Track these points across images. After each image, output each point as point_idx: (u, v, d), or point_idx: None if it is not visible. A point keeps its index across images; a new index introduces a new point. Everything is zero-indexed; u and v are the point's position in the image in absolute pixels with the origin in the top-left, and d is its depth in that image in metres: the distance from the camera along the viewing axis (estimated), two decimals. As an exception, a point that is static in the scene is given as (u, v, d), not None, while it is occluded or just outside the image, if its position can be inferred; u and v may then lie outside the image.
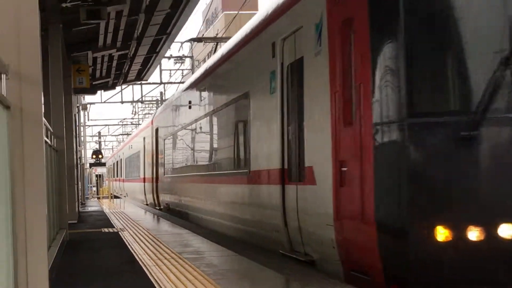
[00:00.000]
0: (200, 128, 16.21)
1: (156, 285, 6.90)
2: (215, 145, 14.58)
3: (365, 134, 6.73)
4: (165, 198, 24.45)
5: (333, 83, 7.39)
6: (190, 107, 17.36)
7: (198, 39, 23.95)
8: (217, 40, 22.14)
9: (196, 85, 16.63)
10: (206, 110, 15.18)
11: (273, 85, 9.67)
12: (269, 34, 10.12)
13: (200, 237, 11.96)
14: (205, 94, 15.59)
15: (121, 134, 67.58)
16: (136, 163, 35.79)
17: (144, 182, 31.10)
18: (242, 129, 11.87)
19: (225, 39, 20.48)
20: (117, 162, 51.30)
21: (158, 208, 25.72)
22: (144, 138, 31.28)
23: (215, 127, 14.46)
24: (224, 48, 14.24)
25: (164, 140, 25.11)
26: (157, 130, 26.86)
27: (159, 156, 26.98)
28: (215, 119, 14.35)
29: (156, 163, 26.91)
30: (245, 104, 11.39)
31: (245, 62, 11.94)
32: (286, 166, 9.17)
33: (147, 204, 29.85)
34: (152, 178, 27.37)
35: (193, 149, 17.75)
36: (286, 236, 8.92)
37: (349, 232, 7.00)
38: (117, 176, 50.47)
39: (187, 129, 18.30)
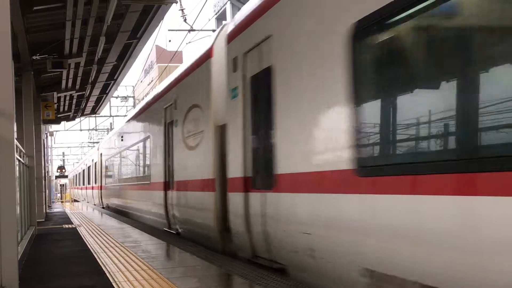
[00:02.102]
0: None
1: (103, 267, 6.74)
2: None
3: None
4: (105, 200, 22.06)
5: None
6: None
7: (175, 30, 20.21)
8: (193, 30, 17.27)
9: None
10: None
11: None
12: None
13: (138, 230, 11.75)
14: None
15: (85, 146, 65.65)
16: (88, 176, 31.29)
17: (93, 189, 27.60)
18: None
19: (205, 31, 18.88)
20: (78, 174, 43.81)
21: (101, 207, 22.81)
22: (92, 160, 27.59)
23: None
24: None
25: (106, 159, 21.19)
26: (101, 154, 23.70)
27: (103, 170, 22.73)
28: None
29: (100, 175, 23.94)
30: None
31: None
32: None
33: (94, 204, 26.97)
34: (99, 186, 24.77)
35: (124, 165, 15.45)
36: None
37: None
38: (78, 185, 43.60)
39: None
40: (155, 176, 12.05)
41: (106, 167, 22.51)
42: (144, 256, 7.56)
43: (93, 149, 32.43)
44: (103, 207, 24.50)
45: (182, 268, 6.42)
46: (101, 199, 25.11)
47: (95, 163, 27.44)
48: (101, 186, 24.83)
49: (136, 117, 15.35)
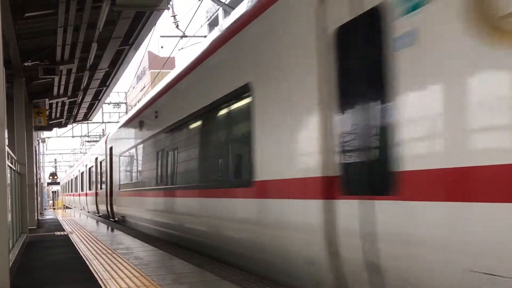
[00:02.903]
0: None
1: (95, 274, 6.72)
2: None
3: None
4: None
5: None
6: None
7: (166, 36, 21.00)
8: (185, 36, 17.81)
9: None
10: None
11: None
12: None
13: (131, 237, 11.71)
14: None
15: (77, 153, 65.35)
16: (89, 179, 25.23)
17: (97, 196, 21.22)
18: None
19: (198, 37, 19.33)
20: (74, 178, 36.95)
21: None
22: (96, 159, 21.56)
23: None
24: None
25: (121, 153, 14.80)
26: (111, 148, 17.00)
27: (117, 169, 15.67)
28: None
29: (111, 177, 17.22)
30: None
31: None
32: None
33: (100, 216, 20.90)
34: (106, 191, 18.11)
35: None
36: None
37: None
38: (74, 191, 36.53)
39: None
40: (277, 169, 5.36)
41: (123, 165, 15.39)
42: (137, 263, 7.54)
43: (97, 145, 24.48)
44: (114, 220, 17.46)
45: (174, 275, 6.40)
46: (111, 209, 17.97)
47: (100, 162, 20.60)
48: (111, 191, 17.76)
49: (193, 68, 8.39)
